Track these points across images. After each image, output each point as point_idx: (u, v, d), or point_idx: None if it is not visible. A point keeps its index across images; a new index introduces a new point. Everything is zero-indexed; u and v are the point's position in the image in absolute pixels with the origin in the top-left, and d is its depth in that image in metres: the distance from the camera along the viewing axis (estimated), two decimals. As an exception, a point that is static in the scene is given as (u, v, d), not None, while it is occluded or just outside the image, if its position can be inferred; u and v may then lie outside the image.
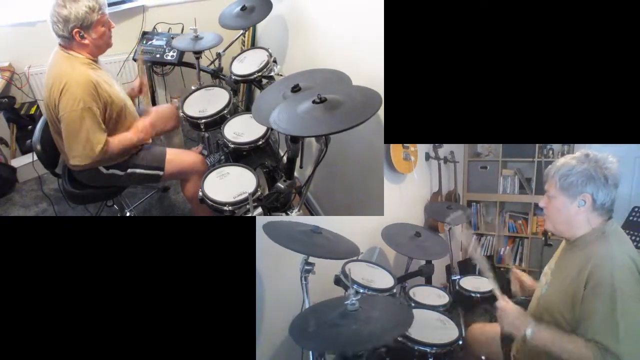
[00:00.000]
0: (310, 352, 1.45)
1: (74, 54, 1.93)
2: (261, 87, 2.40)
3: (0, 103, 2.88)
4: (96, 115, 1.90)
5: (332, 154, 1.72)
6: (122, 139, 2.05)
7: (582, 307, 1.26)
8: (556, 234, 1.43)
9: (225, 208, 1.86)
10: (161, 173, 2.20)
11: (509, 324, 1.40)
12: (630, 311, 1.20)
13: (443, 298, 2.04)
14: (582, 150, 1.37)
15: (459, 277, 2.34)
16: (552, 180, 1.37)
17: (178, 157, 2.26)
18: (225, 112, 2.31)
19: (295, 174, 1.88)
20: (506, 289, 1.89)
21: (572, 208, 1.33)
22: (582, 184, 1.31)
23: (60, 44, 1.94)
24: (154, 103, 3.38)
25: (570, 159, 1.35)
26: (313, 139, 1.76)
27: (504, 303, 1.44)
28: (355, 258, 1.85)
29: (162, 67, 3.34)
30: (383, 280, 1.90)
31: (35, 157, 2.25)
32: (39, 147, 2.12)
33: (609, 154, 1.33)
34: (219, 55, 2.62)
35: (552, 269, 1.46)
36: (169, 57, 3.00)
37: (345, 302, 1.36)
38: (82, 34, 1.89)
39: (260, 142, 2.14)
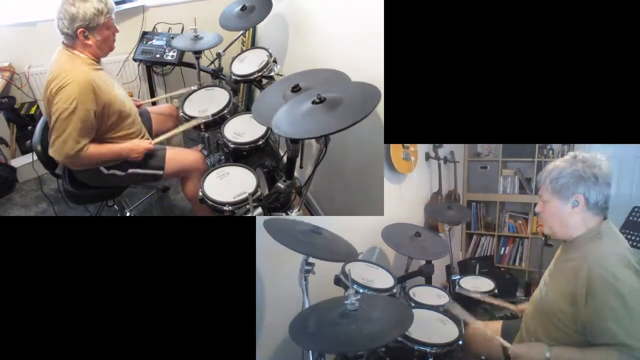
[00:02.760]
0: (310, 352, 1.44)
1: (77, 53, 1.93)
2: (261, 87, 2.40)
3: (0, 103, 2.88)
4: (88, 117, 1.89)
5: (332, 154, 1.72)
6: (104, 150, 2.02)
7: (588, 307, 1.25)
8: (554, 237, 1.44)
9: (225, 208, 1.85)
10: (161, 172, 2.20)
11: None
12: (637, 302, 1.21)
13: (443, 298, 2.04)
14: (570, 153, 1.39)
15: (459, 277, 2.34)
16: (544, 185, 1.39)
17: (178, 156, 2.26)
18: (225, 112, 2.31)
19: (295, 174, 1.88)
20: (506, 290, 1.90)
21: (566, 209, 1.35)
22: (574, 185, 1.32)
23: (63, 43, 1.95)
24: (153, 103, 3.38)
25: (560, 162, 1.38)
26: (313, 139, 1.76)
27: (515, 348, 1.45)
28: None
29: (162, 67, 3.34)
30: (383, 280, 1.90)
31: (35, 157, 2.25)
32: (39, 147, 2.12)
33: (598, 153, 1.35)
34: (219, 55, 2.62)
35: (551, 271, 1.46)
36: (168, 57, 3.00)
37: (345, 302, 1.35)
38: (86, 34, 1.89)
39: (260, 142, 2.14)
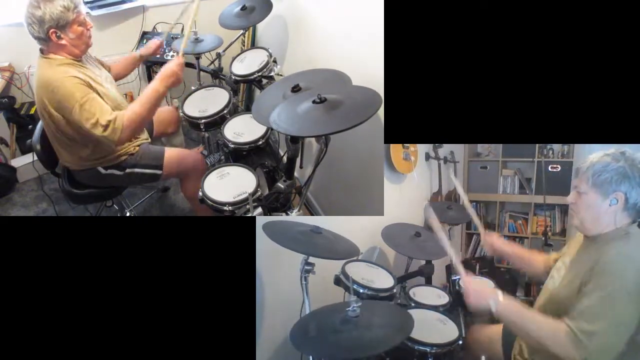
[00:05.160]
0: (310, 357, 1.44)
1: (53, 56, 1.89)
2: (261, 87, 2.40)
3: (0, 103, 2.88)
4: (98, 99, 1.84)
5: (332, 154, 1.72)
6: (139, 104, 1.92)
7: (585, 289, 1.25)
8: (581, 230, 1.41)
9: (225, 208, 1.85)
10: (160, 172, 2.20)
11: (475, 298, 1.39)
12: (623, 307, 1.20)
13: (443, 298, 2.04)
14: (616, 147, 1.34)
15: (459, 277, 2.34)
16: (584, 176, 1.34)
17: (177, 156, 2.25)
18: (225, 112, 2.31)
19: (295, 174, 1.88)
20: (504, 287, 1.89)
21: (603, 206, 1.31)
22: (617, 182, 1.28)
23: (39, 50, 1.91)
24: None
25: (605, 155, 1.32)
26: (313, 139, 1.76)
27: (468, 278, 1.44)
28: (355, 258, 1.85)
29: (162, 67, 3.34)
30: (383, 280, 1.90)
31: (35, 157, 2.25)
32: (38, 147, 2.12)
33: None
34: (219, 56, 2.62)
35: (568, 265, 1.45)
36: (168, 57, 3.00)
37: (347, 309, 1.36)
38: (58, 35, 1.84)
39: (260, 142, 2.14)
